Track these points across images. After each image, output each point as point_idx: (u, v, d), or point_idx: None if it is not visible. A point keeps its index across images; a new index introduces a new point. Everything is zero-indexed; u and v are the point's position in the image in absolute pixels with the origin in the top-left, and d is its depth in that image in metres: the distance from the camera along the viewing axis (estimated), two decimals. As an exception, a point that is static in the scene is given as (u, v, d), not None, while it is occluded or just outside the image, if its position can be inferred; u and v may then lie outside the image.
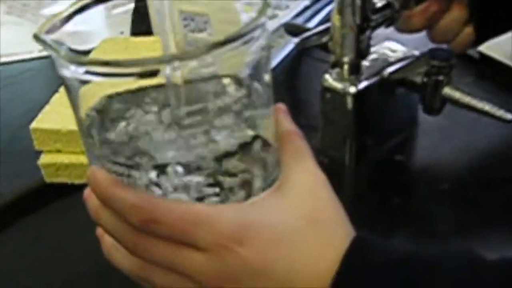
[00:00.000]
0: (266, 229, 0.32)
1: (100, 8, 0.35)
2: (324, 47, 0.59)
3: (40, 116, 0.58)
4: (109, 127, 0.33)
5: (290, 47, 0.77)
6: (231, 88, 0.34)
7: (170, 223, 0.31)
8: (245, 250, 0.31)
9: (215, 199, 0.32)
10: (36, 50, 0.84)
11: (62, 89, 0.50)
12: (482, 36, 0.60)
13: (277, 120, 0.36)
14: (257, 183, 0.34)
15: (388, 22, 0.57)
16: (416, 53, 0.60)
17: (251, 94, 0.33)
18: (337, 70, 0.56)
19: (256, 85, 0.33)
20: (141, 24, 0.76)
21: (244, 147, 0.33)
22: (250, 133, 0.33)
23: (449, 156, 0.60)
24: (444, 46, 0.60)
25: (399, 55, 0.59)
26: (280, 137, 0.36)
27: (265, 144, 0.34)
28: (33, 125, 0.57)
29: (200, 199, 0.32)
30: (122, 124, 0.33)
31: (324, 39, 0.60)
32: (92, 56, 0.49)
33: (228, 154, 0.32)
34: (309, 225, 0.33)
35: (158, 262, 0.33)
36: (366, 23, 0.54)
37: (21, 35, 0.88)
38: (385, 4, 0.56)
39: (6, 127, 0.69)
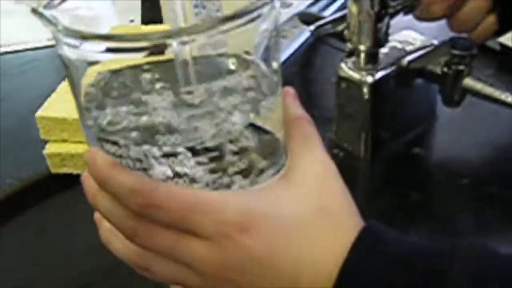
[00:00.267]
0: (271, 218, 0.31)
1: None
2: (340, 36, 0.59)
3: (46, 104, 0.58)
4: (109, 105, 0.32)
5: (304, 36, 0.77)
6: (238, 69, 0.33)
7: (171, 209, 0.30)
8: (249, 239, 0.30)
9: (218, 185, 0.31)
10: (45, 39, 0.84)
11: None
12: (505, 26, 0.59)
13: (285, 104, 0.35)
14: (263, 170, 0.33)
15: (407, 9, 0.56)
16: (436, 42, 0.59)
17: (258, 78, 0.33)
18: (353, 59, 0.56)
19: (264, 69, 0.33)
20: (151, 12, 0.76)
21: (249, 131, 0.32)
22: (255, 118, 0.32)
23: (469, 150, 0.59)
24: (464, 35, 0.59)
25: (417, 44, 0.58)
26: (288, 122, 0.35)
27: (271, 129, 0.33)
28: (39, 113, 0.57)
29: (204, 184, 0.31)
30: (123, 102, 0.32)
31: (340, 27, 0.59)
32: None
33: (232, 139, 0.31)
34: (316, 215, 0.32)
35: (158, 250, 0.32)
36: (384, 10, 0.53)
37: (30, 24, 0.87)
38: (405, -10, 0.55)
39: (14, 115, 0.69)
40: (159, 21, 0.69)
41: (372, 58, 0.55)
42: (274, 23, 0.31)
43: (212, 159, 0.31)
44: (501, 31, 0.60)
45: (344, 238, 0.32)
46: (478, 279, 0.30)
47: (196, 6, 0.62)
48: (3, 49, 0.84)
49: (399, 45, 0.58)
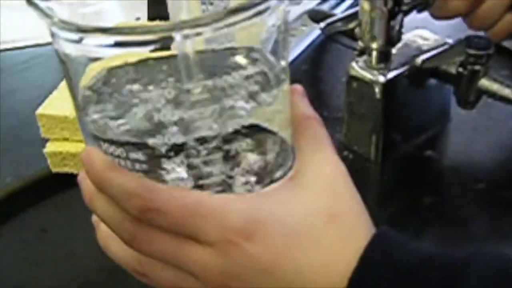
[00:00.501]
0: (277, 223, 0.30)
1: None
2: (351, 34, 0.58)
3: (46, 102, 0.57)
4: (108, 102, 0.32)
5: (314, 35, 0.76)
6: (244, 66, 0.32)
7: (171, 213, 0.29)
8: (253, 246, 0.29)
9: (221, 188, 0.30)
10: (47, 36, 0.83)
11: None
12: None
13: (293, 102, 0.34)
14: (269, 172, 0.32)
15: (422, 6, 0.55)
16: (450, 41, 0.58)
17: (264, 75, 0.32)
18: (364, 58, 0.55)
19: (271, 65, 0.32)
20: (158, 9, 0.75)
21: (255, 132, 0.31)
22: (261, 117, 0.31)
23: (484, 153, 0.59)
24: (480, 34, 0.57)
25: (431, 43, 0.57)
26: (296, 122, 0.34)
27: (278, 129, 0.32)
28: (39, 111, 0.56)
29: (205, 186, 0.30)
30: (123, 99, 0.31)
31: (351, 25, 0.59)
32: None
33: (236, 138, 0.30)
34: (325, 221, 0.31)
35: (157, 256, 0.31)
36: (397, 7, 0.52)
37: (33, 20, 0.87)
38: (420, -14, 0.55)
39: (16, 113, 0.69)
40: (166, 18, 0.68)
41: (384, 57, 0.54)
42: (282, 18, 0.31)
43: (213, 160, 0.30)
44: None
45: (353, 245, 0.30)
46: None
47: (203, 3, 0.61)
48: (3, 46, 0.83)
49: (412, 44, 0.57)
